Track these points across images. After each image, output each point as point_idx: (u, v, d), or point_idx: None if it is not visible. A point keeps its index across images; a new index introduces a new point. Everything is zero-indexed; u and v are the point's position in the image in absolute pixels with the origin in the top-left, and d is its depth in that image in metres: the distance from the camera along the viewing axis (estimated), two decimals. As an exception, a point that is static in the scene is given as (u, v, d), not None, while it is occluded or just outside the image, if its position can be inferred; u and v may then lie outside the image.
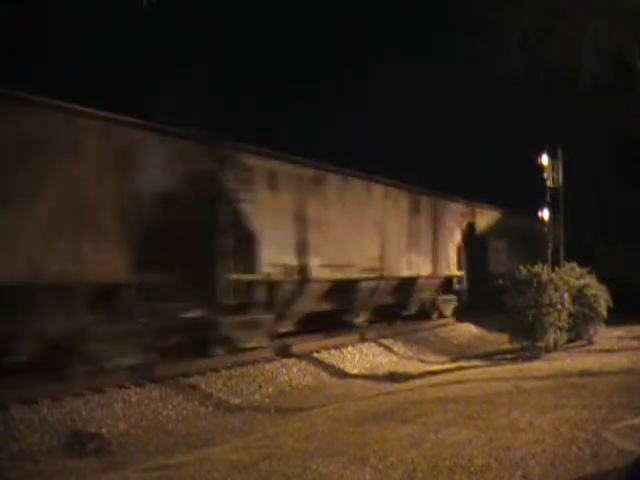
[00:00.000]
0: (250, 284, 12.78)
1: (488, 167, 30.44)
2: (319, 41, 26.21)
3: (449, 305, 21.43)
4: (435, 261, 20.42)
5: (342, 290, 15.63)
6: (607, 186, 28.26)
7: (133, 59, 19.09)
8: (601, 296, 16.15)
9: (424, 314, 20.13)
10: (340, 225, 15.52)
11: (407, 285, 18.86)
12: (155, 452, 8.09)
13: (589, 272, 16.64)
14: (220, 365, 11.89)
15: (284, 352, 13.52)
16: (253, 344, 12.72)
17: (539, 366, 12.38)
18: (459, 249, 22.13)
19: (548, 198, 15.97)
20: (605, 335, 16.60)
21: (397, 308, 18.98)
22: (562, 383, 9.77)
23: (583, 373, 10.75)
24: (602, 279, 16.78)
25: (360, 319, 16.99)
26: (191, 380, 10.94)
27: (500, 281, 15.45)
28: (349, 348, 15.05)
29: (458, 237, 22.28)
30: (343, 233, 15.59)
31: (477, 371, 13.01)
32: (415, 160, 26.15)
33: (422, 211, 19.89)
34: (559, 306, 14.59)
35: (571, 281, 15.69)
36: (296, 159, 14.42)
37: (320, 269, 14.54)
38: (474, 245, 23.07)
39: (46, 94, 9.38)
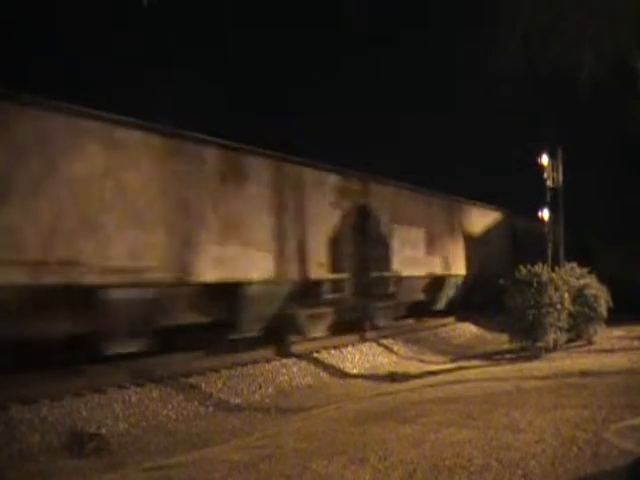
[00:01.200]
0: None
1: (488, 167, 30.46)
2: (319, 41, 26.27)
3: (319, 321, 15.26)
4: (283, 258, 13.82)
5: (71, 304, 9.60)
6: (607, 186, 28.26)
7: (133, 59, 19.13)
8: (601, 296, 16.15)
9: (275, 336, 13.87)
10: (47, 193, 9.29)
11: (228, 295, 12.40)
12: (155, 452, 8.11)
13: (589, 272, 16.65)
14: (220, 365, 11.90)
15: (284, 352, 13.53)
16: None
17: (539, 366, 12.38)
18: (335, 242, 15.47)
19: (548, 198, 15.99)
20: (605, 335, 16.59)
21: (219, 328, 12.56)
22: (562, 383, 9.76)
23: (583, 373, 10.73)
24: (602, 279, 16.78)
25: (126, 348, 10.51)
26: (191, 380, 10.96)
27: (501, 281, 14.91)
28: (349, 348, 15.06)
29: (335, 225, 15.57)
30: (54, 208, 9.39)
31: (477, 371, 13.01)
32: (414, 160, 26.20)
33: (254, 181, 13.08)
34: (559, 306, 14.58)
35: (571, 281, 15.69)
36: None
37: None
38: (370, 237, 16.96)
39: (46, 94, 9.38)
